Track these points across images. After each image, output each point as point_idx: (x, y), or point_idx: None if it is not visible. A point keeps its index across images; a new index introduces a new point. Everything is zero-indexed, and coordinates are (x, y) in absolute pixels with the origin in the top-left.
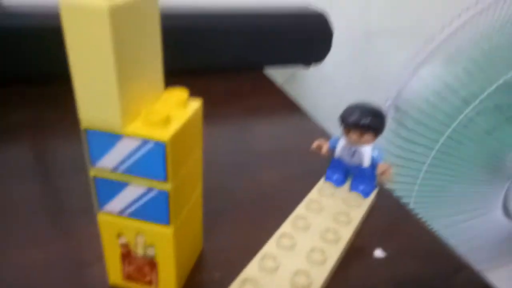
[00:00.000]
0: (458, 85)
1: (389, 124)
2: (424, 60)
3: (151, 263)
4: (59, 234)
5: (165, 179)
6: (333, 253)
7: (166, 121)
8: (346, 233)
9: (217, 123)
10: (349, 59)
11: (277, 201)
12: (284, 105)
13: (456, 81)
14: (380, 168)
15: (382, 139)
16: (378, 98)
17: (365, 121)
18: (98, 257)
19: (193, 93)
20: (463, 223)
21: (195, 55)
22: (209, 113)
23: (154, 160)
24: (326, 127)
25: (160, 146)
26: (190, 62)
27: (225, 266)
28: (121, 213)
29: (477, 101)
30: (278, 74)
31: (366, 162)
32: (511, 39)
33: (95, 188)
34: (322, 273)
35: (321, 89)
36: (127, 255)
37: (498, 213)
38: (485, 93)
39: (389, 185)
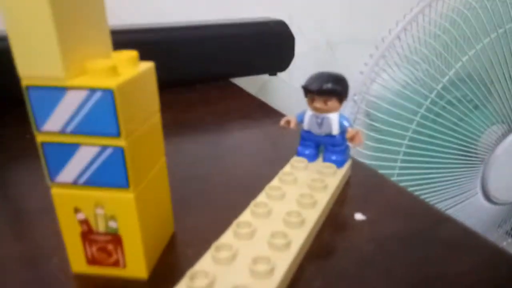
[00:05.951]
0: (418, 83)
1: (361, 126)
2: (377, 62)
3: (115, 240)
4: (15, 233)
5: (118, 134)
6: (311, 215)
7: (114, 70)
8: (322, 198)
9: (185, 126)
10: (315, 68)
11: (248, 181)
12: (254, 107)
13: (415, 79)
14: (350, 133)
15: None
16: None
17: (327, 86)
18: (59, 249)
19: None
20: (446, 211)
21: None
22: (177, 119)
23: (103, 112)
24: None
25: (108, 95)
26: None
27: (198, 243)
28: (75, 182)
29: (433, 96)
30: (248, 86)
31: (335, 129)
32: (452, 35)
33: (44, 156)
34: (301, 234)
35: (292, 98)
36: (87, 233)
37: (479, 197)
38: (439, 87)
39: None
